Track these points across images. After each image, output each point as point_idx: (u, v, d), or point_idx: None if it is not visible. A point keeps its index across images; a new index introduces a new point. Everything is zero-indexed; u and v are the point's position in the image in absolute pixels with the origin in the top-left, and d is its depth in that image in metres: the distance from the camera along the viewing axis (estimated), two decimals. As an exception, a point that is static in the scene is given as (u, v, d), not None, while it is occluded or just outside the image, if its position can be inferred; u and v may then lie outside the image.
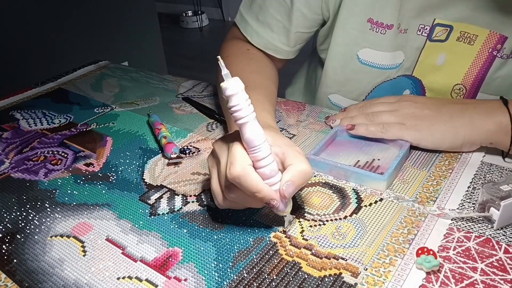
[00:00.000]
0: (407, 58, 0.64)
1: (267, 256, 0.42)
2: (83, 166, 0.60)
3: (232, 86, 0.38)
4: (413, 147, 0.55)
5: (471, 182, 0.50)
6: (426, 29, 0.61)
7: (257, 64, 0.68)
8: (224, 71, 0.39)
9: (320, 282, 0.39)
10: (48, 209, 0.52)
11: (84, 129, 0.70)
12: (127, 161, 0.60)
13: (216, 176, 0.44)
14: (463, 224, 0.44)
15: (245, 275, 0.40)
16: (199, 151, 0.61)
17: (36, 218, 0.50)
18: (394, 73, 0.66)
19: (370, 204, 0.48)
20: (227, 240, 0.44)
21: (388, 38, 0.63)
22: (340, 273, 0.39)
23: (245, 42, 0.71)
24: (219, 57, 0.41)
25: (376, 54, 0.64)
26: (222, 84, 0.39)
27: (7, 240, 0.48)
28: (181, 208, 0.50)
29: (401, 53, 0.64)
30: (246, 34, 0.70)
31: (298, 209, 0.48)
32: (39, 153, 0.64)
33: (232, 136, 0.43)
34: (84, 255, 0.44)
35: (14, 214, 0.51)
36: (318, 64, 0.78)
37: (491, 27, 0.58)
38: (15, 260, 0.45)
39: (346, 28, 0.65)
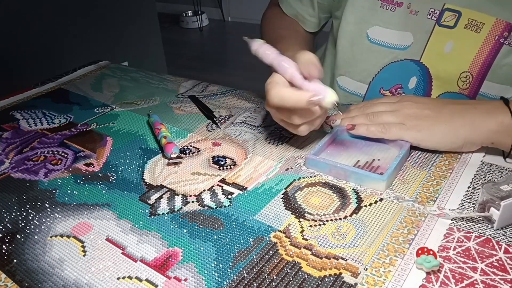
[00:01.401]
0: (416, 42, 0.66)
1: (267, 256, 0.42)
2: (83, 166, 0.60)
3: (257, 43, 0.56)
4: (413, 147, 0.55)
5: (471, 182, 0.50)
6: (436, 13, 0.62)
7: (296, 30, 0.79)
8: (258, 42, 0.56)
9: (320, 282, 0.39)
10: (48, 209, 0.52)
11: (84, 129, 0.70)
12: (127, 161, 0.60)
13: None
14: (463, 224, 0.44)
15: (245, 275, 0.40)
16: (199, 151, 0.61)
17: (36, 218, 0.50)
18: (401, 54, 0.68)
19: (370, 204, 0.48)
20: (227, 240, 0.44)
21: (398, 16, 0.65)
22: (340, 273, 0.39)
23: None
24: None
25: (385, 32, 0.67)
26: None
27: (7, 240, 0.48)
28: (181, 208, 0.50)
29: (410, 34, 0.66)
30: (281, 4, 0.81)
31: (298, 209, 0.48)
32: (39, 153, 0.64)
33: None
34: (84, 255, 0.44)
35: (14, 214, 0.51)
36: (327, 52, 0.82)
37: (498, 14, 0.58)
38: (15, 260, 0.45)
39: (356, 5, 0.68)
